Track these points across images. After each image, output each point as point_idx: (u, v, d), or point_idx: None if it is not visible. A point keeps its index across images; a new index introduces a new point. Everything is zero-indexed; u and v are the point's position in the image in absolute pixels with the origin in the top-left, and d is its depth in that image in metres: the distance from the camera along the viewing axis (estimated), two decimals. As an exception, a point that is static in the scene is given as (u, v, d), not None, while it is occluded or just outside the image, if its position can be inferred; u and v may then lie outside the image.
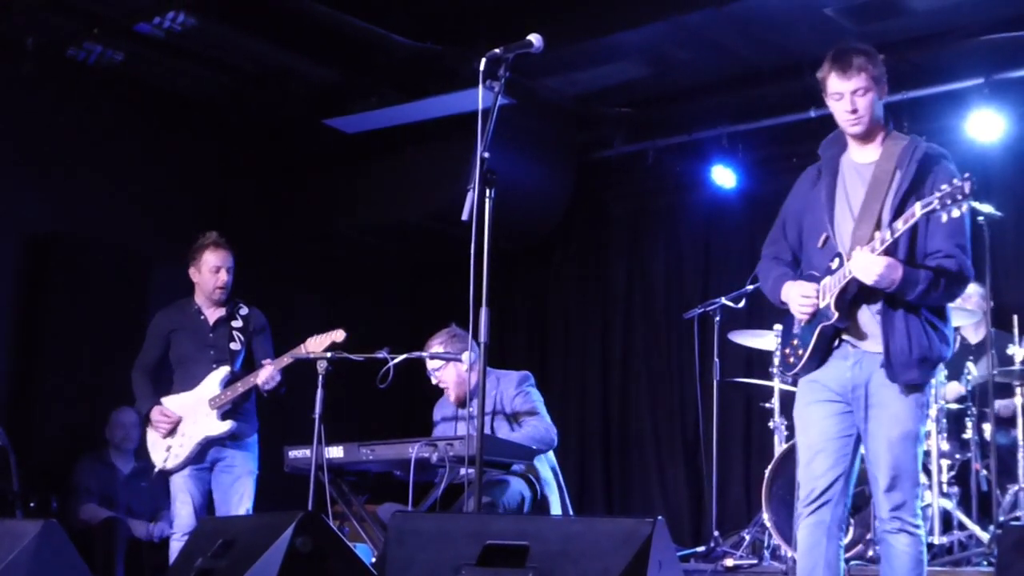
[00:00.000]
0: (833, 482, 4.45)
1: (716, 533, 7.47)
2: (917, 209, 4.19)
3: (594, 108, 9.29)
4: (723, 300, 7.52)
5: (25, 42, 8.01)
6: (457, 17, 8.07)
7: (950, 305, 4.53)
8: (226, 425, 6.40)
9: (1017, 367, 6.77)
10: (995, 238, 6.84)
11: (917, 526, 4.39)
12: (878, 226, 4.36)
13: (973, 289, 7.52)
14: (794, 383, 4.71)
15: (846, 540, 6.49)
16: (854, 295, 4.39)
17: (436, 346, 6.38)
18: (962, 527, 6.66)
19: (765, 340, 7.45)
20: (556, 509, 6.22)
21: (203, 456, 6.44)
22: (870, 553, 6.41)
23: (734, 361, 8.48)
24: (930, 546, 6.58)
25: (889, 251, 4.29)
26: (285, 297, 9.30)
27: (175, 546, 6.33)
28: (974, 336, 7.56)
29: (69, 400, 8.23)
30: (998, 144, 8.19)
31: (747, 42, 8.08)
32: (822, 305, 4.43)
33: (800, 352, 4.54)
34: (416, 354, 6.10)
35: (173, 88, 9.01)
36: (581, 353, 10.28)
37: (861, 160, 4.56)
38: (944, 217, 4.17)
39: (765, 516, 6.80)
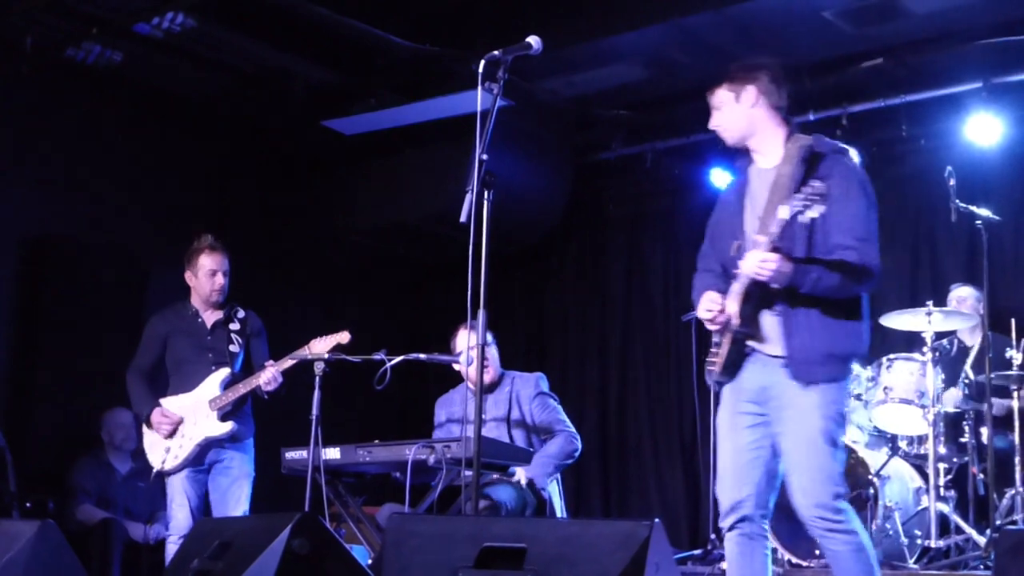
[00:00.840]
0: (747, 496, 4.45)
1: (713, 536, 7.46)
2: (782, 211, 4.22)
3: (593, 110, 9.29)
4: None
5: (24, 42, 8.00)
6: (456, 19, 8.07)
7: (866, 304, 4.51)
8: (227, 426, 6.40)
9: (1015, 371, 6.78)
10: (993, 242, 6.85)
11: (842, 521, 4.32)
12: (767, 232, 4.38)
13: (969, 292, 7.54)
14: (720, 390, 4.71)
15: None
16: (756, 300, 4.41)
17: (461, 332, 6.49)
18: (959, 531, 6.67)
19: (763, 343, 7.44)
20: (559, 513, 6.25)
21: (202, 458, 6.43)
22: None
23: (732, 364, 8.47)
24: (927, 550, 6.59)
25: (785, 252, 4.29)
26: (283, 298, 9.31)
27: (171, 548, 6.32)
28: (971, 339, 7.56)
29: (66, 401, 8.22)
30: (996, 148, 8.19)
31: (745, 45, 8.07)
32: (728, 311, 4.45)
33: (716, 360, 4.57)
34: (413, 356, 6.10)
35: (172, 89, 9.01)
36: (579, 355, 10.28)
37: (764, 165, 4.60)
38: (806, 217, 4.20)
39: (762, 519, 6.79)
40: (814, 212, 4.17)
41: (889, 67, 8.15)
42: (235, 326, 6.65)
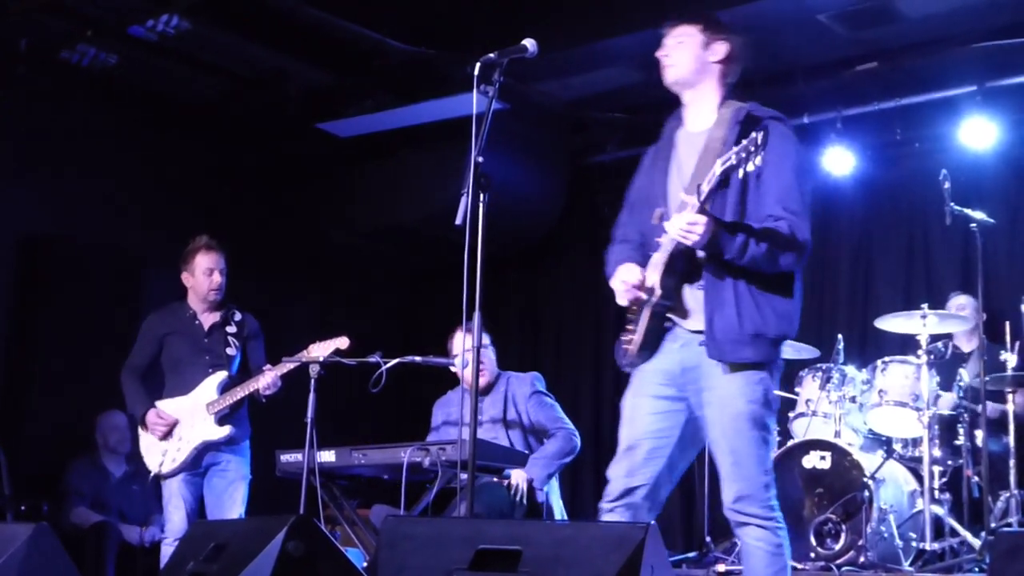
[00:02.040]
0: (639, 487, 4.20)
1: (708, 538, 7.47)
2: (716, 166, 4.01)
3: (588, 113, 9.30)
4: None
5: (18, 44, 8.01)
6: (451, 22, 8.07)
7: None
8: (225, 430, 6.38)
9: (1009, 374, 6.79)
10: (987, 245, 6.86)
11: (768, 518, 4.09)
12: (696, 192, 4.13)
13: (967, 301, 7.55)
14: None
15: (837, 547, 6.54)
16: (680, 270, 4.18)
17: (458, 333, 6.49)
18: (954, 533, 6.67)
19: (758, 346, 7.45)
20: (558, 514, 6.26)
21: (199, 461, 6.42)
22: (862, 559, 6.42)
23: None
24: (922, 552, 6.60)
25: (705, 212, 4.04)
26: (278, 300, 9.30)
27: (166, 551, 6.31)
28: (967, 345, 7.57)
29: (61, 403, 8.21)
30: (991, 151, 8.21)
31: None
32: (649, 283, 4.20)
33: (633, 338, 4.29)
34: (409, 358, 6.10)
35: (167, 91, 9.01)
36: (574, 357, 10.29)
37: (694, 129, 4.38)
38: (741, 172, 3.97)
39: (757, 522, 6.79)
40: (751, 165, 3.93)
41: (884, 70, 8.17)
42: (232, 329, 6.64)
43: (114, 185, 8.84)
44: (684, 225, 4.01)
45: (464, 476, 4.60)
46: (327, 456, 5.89)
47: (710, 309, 4.11)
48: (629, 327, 4.30)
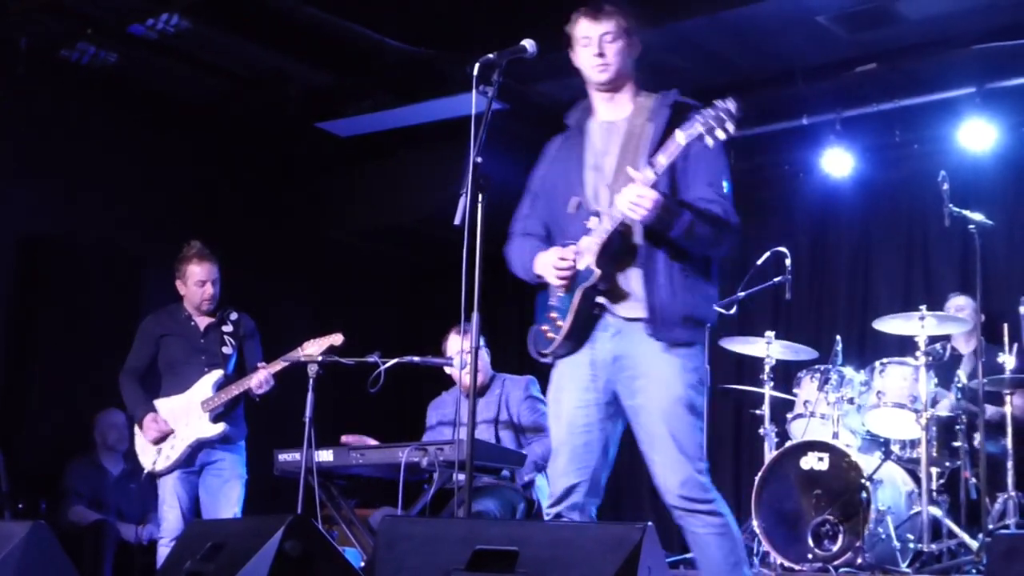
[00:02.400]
0: (580, 483, 4.18)
1: (706, 540, 7.45)
2: (679, 137, 3.94)
3: (587, 114, 9.29)
4: (714, 306, 7.51)
5: (18, 42, 8.00)
6: (451, 22, 8.07)
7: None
8: (219, 428, 6.40)
9: (1007, 375, 6.79)
10: (986, 247, 6.86)
11: (710, 500, 4.11)
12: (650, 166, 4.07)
13: (966, 302, 7.55)
14: (554, 363, 4.37)
15: (835, 548, 6.53)
16: (615, 254, 4.14)
17: (453, 335, 6.49)
18: (952, 535, 6.67)
19: (756, 347, 7.46)
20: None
21: (193, 459, 6.43)
22: (859, 561, 6.42)
23: (725, 368, 8.46)
24: (919, 554, 6.60)
25: (655, 187, 4.01)
26: (276, 300, 9.30)
27: (163, 551, 6.32)
28: (965, 346, 7.57)
29: (59, 401, 8.21)
30: (990, 153, 8.22)
31: (740, 50, 8.09)
32: (581, 267, 4.15)
33: (559, 324, 4.23)
34: (407, 359, 6.10)
35: (166, 90, 9.01)
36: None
37: (612, 118, 4.34)
38: (710, 140, 3.92)
39: (755, 523, 6.80)
40: (720, 132, 3.89)
41: (883, 72, 8.17)
42: (228, 328, 6.67)
43: (114, 185, 8.84)
44: (634, 198, 3.97)
45: (462, 476, 4.59)
46: (325, 456, 5.88)
47: (649, 290, 4.09)
48: (552, 314, 4.27)
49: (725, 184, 4.20)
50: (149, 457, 6.47)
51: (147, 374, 6.67)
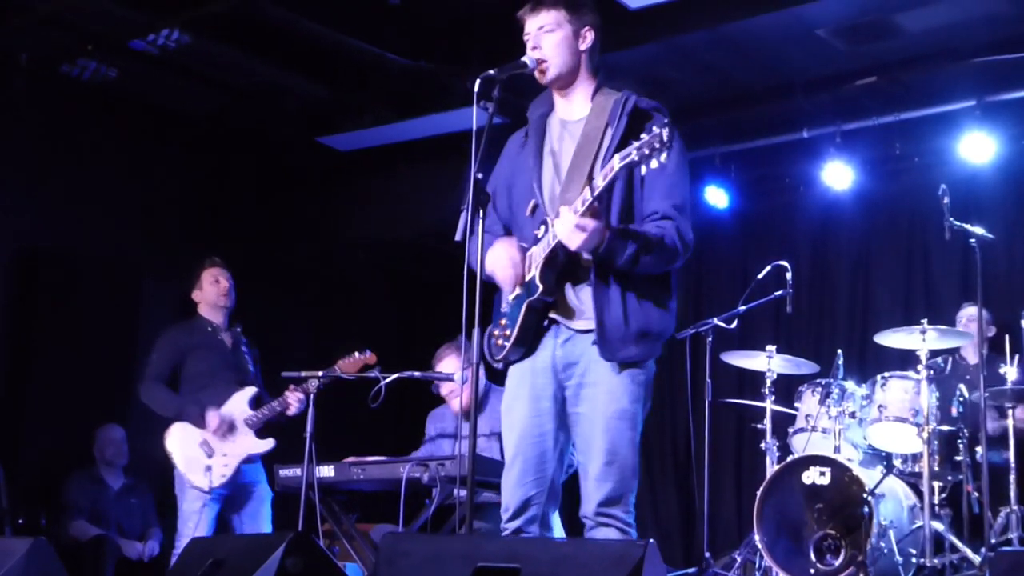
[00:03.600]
0: (537, 494, 4.09)
1: (707, 554, 7.45)
2: (615, 162, 3.80)
3: (587, 128, 9.29)
4: (715, 321, 7.51)
5: (19, 57, 8.01)
6: (451, 36, 8.08)
7: None
8: (268, 443, 6.54)
9: (1008, 388, 6.78)
10: (986, 260, 6.85)
11: (630, 524, 4.02)
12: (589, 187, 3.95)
13: (975, 311, 7.55)
14: (506, 369, 4.27)
15: (837, 562, 6.52)
16: (562, 267, 4.05)
17: (448, 357, 6.44)
18: (954, 549, 6.65)
19: (757, 361, 7.45)
20: (558, 531, 6.23)
21: (239, 475, 6.51)
22: (861, 575, 6.39)
23: (726, 382, 8.46)
24: (921, 568, 6.58)
25: (597, 214, 3.92)
26: (276, 314, 9.30)
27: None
28: (974, 356, 7.56)
29: (59, 415, 8.20)
30: (989, 166, 8.22)
31: (740, 63, 8.10)
32: (527, 277, 4.09)
33: (508, 332, 4.15)
34: (408, 373, 6.09)
35: (166, 105, 9.02)
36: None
37: (569, 117, 4.26)
38: (644, 169, 3.77)
39: (756, 537, 6.79)
40: (654, 162, 3.72)
41: (883, 85, 8.18)
42: (244, 348, 6.79)
43: (113, 197, 8.84)
44: (571, 228, 3.86)
45: (464, 492, 4.58)
46: (326, 471, 5.87)
47: (599, 308, 3.99)
48: (503, 321, 4.21)
49: (683, 196, 4.09)
50: (199, 476, 6.42)
51: (168, 383, 6.68)
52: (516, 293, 4.17)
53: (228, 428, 6.48)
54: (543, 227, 4.09)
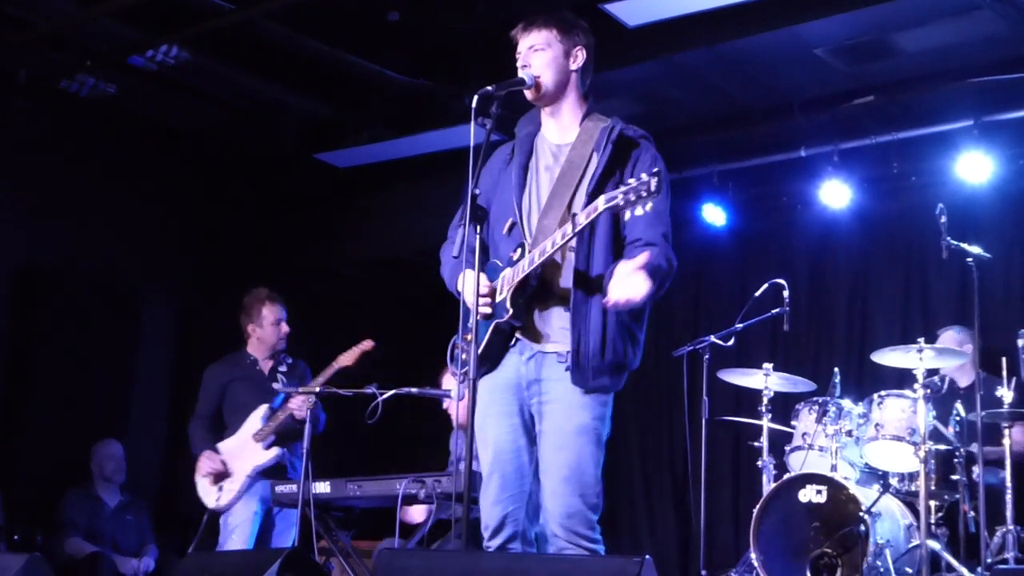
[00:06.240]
0: (515, 509, 4.06)
1: (704, 572, 7.44)
2: (600, 203, 3.82)
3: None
4: (712, 338, 7.51)
5: (18, 74, 8.02)
6: (450, 54, 8.10)
7: None
8: (272, 452, 6.61)
9: (1005, 409, 6.77)
10: (983, 280, 6.85)
11: (594, 540, 3.96)
12: (567, 216, 3.98)
13: (955, 334, 7.55)
14: (464, 380, 4.20)
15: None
16: (532, 293, 4.07)
17: (448, 373, 6.48)
18: (950, 568, 6.64)
19: (754, 379, 7.45)
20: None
21: (257, 490, 6.58)
22: (859, 594, 6.39)
23: (723, 399, 8.46)
24: (918, 587, 6.57)
25: (584, 236, 3.96)
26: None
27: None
28: (964, 379, 7.56)
29: (56, 433, 8.20)
30: (987, 185, 8.22)
31: (738, 82, 8.12)
32: (498, 299, 4.09)
33: (473, 351, 4.09)
34: (405, 390, 6.09)
35: (165, 121, 9.03)
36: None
37: (556, 141, 4.26)
38: (627, 215, 3.82)
39: (753, 555, 6.77)
40: (640, 210, 3.76)
41: (880, 104, 8.19)
42: (283, 368, 6.89)
43: (112, 215, 8.85)
44: (637, 287, 3.81)
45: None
46: (322, 487, 5.87)
47: (576, 336, 3.97)
48: (468, 336, 4.16)
49: (666, 223, 4.10)
50: (211, 496, 6.62)
51: (216, 420, 6.86)
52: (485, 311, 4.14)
53: (241, 451, 6.60)
54: (519, 250, 4.10)
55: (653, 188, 3.72)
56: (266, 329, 6.91)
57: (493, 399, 4.14)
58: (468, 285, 4.08)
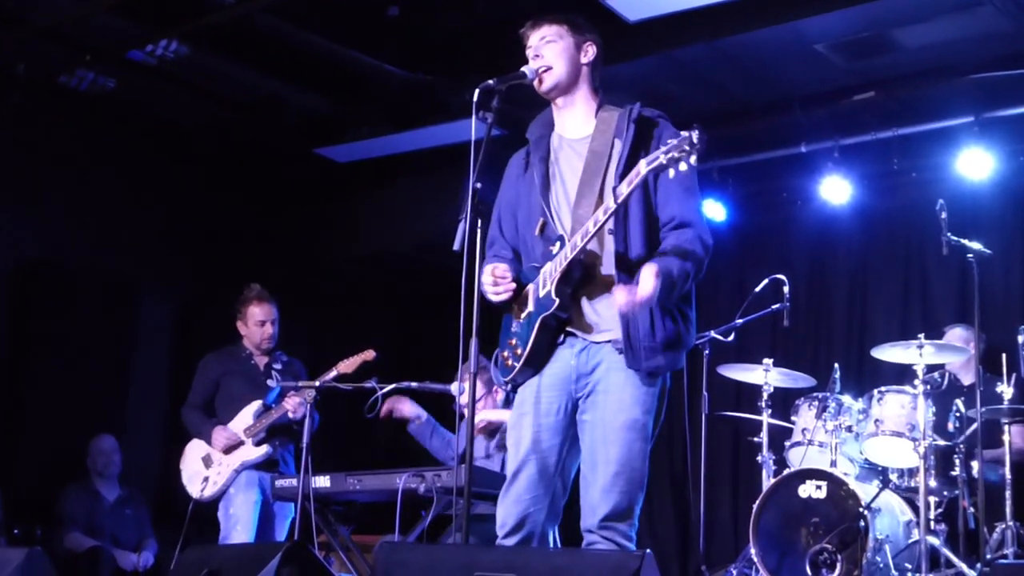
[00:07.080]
0: (537, 510, 4.04)
1: (703, 567, 7.44)
2: (642, 167, 3.81)
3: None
4: (712, 334, 7.51)
5: (16, 68, 8.01)
6: (450, 48, 8.09)
7: None
8: (261, 450, 6.64)
9: (1005, 406, 6.77)
10: (984, 276, 6.85)
11: (630, 538, 3.94)
12: (601, 202, 3.99)
13: (961, 332, 7.55)
14: (514, 390, 4.23)
15: (834, 576, 6.51)
16: (577, 282, 4.04)
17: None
18: (949, 564, 6.64)
19: (754, 374, 7.45)
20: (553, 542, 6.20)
21: (244, 483, 6.61)
22: (858, 589, 6.39)
23: (723, 395, 8.47)
24: (917, 583, 6.57)
25: (619, 218, 3.96)
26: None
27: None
28: (966, 377, 7.56)
29: (55, 428, 8.19)
30: (987, 182, 8.22)
31: (738, 77, 8.11)
32: (542, 294, 4.07)
33: (519, 352, 4.11)
34: (405, 384, 6.10)
35: (165, 116, 9.01)
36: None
37: (574, 135, 4.27)
38: (672, 172, 3.75)
39: (752, 551, 6.77)
40: (683, 165, 3.72)
41: (881, 100, 8.18)
42: (278, 366, 6.96)
43: (111, 211, 8.84)
44: (634, 304, 3.83)
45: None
46: (322, 481, 5.86)
47: (625, 320, 3.94)
48: (512, 340, 4.17)
49: (698, 201, 4.11)
50: (195, 486, 6.67)
51: (207, 409, 6.90)
52: (528, 311, 4.15)
53: (235, 444, 6.59)
54: (558, 243, 4.08)
55: (695, 140, 3.71)
56: (251, 328, 6.96)
57: (533, 399, 4.10)
58: (484, 275, 4.11)
